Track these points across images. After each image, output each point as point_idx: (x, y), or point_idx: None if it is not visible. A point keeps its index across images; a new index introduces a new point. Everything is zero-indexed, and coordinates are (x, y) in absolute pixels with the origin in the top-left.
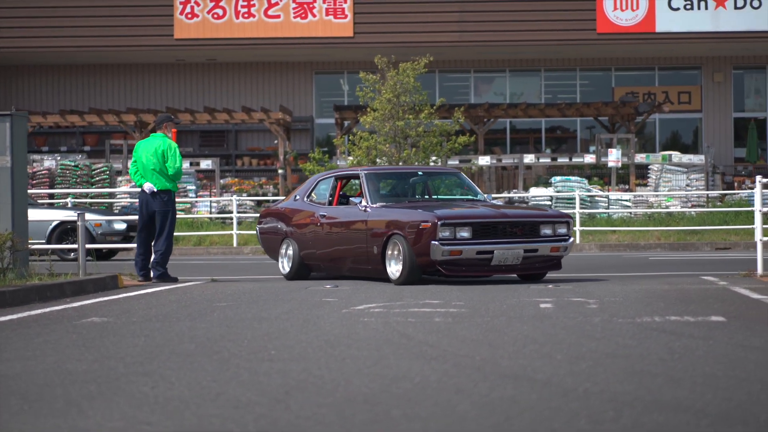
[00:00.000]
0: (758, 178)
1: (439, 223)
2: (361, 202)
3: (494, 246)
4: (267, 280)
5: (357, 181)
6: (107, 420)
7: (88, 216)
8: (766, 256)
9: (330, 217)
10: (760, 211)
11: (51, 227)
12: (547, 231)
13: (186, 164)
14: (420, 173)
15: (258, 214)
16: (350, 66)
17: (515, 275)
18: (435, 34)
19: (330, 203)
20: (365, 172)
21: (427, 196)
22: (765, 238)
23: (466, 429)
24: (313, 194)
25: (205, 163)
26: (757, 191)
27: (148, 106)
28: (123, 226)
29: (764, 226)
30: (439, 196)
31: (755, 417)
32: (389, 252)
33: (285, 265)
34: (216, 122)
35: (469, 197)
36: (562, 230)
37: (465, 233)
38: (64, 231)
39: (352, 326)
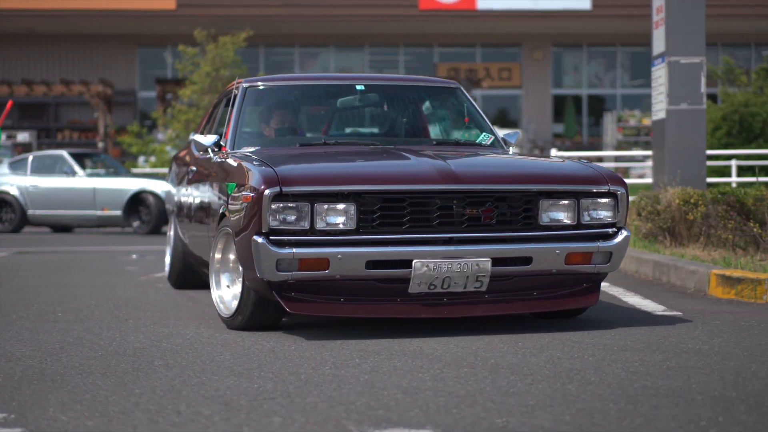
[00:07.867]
0: (553, 151)
1: (266, 192)
2: (215, 144)
3: (415, 249)
4: (75, 252)
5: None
6: None
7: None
8: None
9: (194, 174)
10: None
11: None
12: (558, 215)
13: (3, 137)
14: (360, 87)
15: None
16: (173, 39)
17: (498, 313)
18: (258, 7)
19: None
20: (246, 84)
21: (375, 134)
22: None
23: (219, 373)
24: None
25: (22, 136)
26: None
27: None
28: None
29: None
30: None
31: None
32: (216, 253)
33: (166, 259)
34: (34, 95)
35: (459, 139)
36: (603, 212)
37: (339, 218)
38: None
39: (144, 291)
